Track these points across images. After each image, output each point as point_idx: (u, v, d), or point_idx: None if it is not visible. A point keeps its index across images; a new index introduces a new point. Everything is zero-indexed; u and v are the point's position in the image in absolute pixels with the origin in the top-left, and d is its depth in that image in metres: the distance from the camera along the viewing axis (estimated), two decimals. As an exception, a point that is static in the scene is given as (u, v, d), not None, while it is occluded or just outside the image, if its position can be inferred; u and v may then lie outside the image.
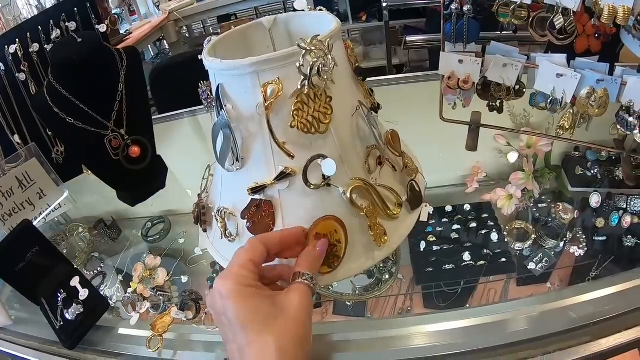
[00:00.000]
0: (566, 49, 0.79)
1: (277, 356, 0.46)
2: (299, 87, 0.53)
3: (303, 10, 0.69)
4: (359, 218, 0.62)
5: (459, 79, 0.82)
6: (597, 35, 0.74)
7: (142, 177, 0.93)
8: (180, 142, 1.43)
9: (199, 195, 0.76)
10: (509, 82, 0.79)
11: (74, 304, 0.78)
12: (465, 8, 0.77)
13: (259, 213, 0.61)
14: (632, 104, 0.73)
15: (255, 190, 0.59)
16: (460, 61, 0.81)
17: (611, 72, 0.76)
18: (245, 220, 0.62)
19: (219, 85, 0.57)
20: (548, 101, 0.78)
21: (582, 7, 0.75)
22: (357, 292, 0.93)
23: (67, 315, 0.78)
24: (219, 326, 0.52)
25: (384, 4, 2.02)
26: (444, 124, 0.94)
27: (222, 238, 0.66)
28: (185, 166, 1.19)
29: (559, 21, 0.72)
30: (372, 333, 0.74)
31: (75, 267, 0.90)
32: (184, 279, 0.97)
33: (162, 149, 1.05)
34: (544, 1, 0.72)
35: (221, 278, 0.51)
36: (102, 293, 0.91)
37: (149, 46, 3.62)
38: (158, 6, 3.25)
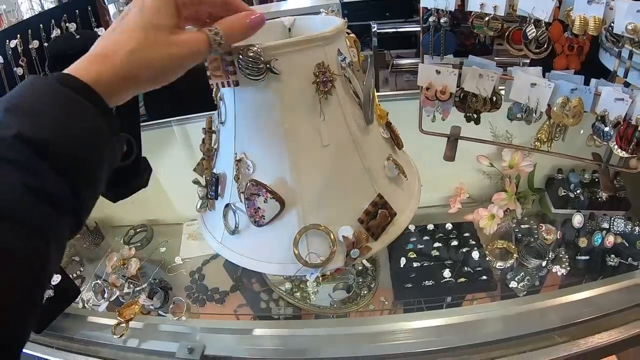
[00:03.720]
0: (546, 67, 0.82)
1: (124, 51, 0.43)
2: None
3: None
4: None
5: (436, 90, 0.84)
6: (570, 47, 0.77)
7: (125, 174, 0.94)
8: (167, 150, 1.45)
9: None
10: (484, 92, 0.81)
11: (45, 288, 0.77)
12: (442, 20, 0.80)
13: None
14: (607, 113, 0.74)
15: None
16: (438, 72, 0.83)
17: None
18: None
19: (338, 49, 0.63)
20: (523, 111, 0.80)
21: (560, 28, 0.78)
22: (334, 305, 0.91)
23: (37, 299, 0.76)
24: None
25: (373, 29, 2.11)
26: (426, 145, 0.96)
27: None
28: (170, 175, 1.20)
29: (531, 31, 0.74)
30: (354, 329, 0.75)
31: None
32: (163, 285, 0.95)
33: (148, 156, 1.06)
34: (516, 13, 0.75)
35: None
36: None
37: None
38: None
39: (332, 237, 0.66)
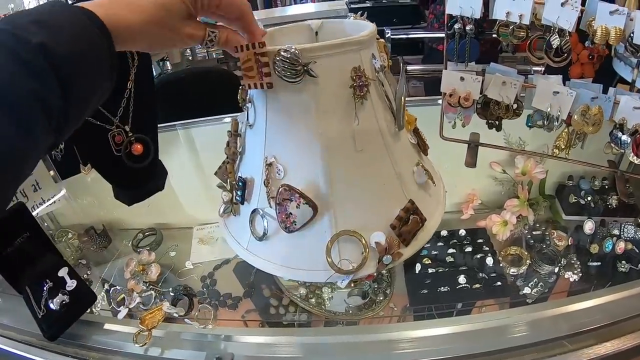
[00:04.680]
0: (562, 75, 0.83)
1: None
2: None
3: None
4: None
5: (460, 97, 0.85)
6: (590, 57, 0.78)
7: (142, 176, 0.92)
8: (173, 154, 1.43)
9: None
10: (507, 100, 0.82)
11: (59, 294, 0.74)
12: (467, 28, 0.81)
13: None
14: (625, 121, 0.76)
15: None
16: (462, 79, 0.84)
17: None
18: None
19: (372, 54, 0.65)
20: (545, 119, 0.81)
21: (576, 37, 0.80)
22: (350, 312, 0.90)
23: (51, 305, 0.74)
24: None
25: (387, 35, 2.12)
26: (439, 151, 0.96)
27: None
28: (178, 179, 1.18)
29: (555, 40, 0.75)
30: (362, 337, 0.74)
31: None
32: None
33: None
34: (540, 22, 0.77)
35: None
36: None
37: (152, 65, 3.69)
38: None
39: (364, 242, 0.65)
